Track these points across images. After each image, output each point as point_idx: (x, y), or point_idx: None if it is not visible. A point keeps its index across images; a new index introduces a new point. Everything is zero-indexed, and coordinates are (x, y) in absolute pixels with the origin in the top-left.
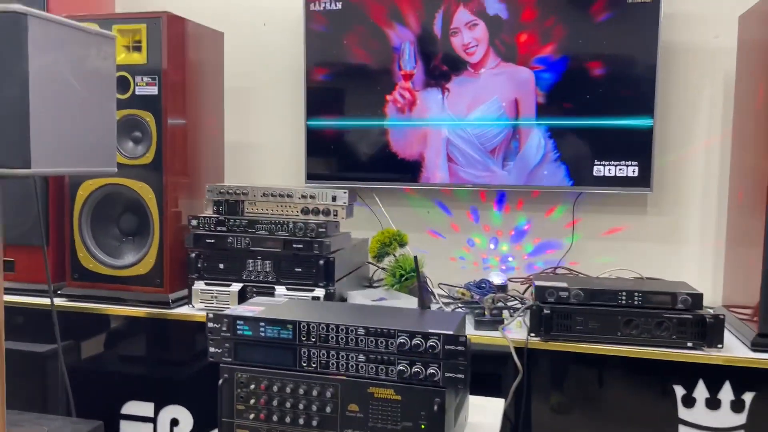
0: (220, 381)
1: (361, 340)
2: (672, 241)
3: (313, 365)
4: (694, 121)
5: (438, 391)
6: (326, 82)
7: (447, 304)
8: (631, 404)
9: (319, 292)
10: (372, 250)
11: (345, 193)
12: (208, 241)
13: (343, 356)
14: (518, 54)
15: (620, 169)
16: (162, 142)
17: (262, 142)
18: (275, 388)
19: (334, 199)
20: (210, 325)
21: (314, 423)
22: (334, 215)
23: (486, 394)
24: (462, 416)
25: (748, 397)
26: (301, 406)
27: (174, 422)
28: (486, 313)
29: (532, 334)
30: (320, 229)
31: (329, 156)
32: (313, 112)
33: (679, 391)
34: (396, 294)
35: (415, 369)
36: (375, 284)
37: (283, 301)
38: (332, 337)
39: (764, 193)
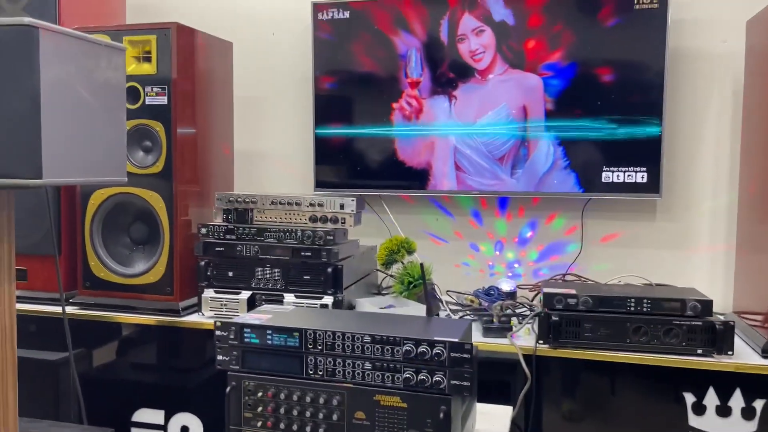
0: (228, 389)
1: (368, 348)
2: (681, 247)
3: (320, 373)
4: (703, 126)
5: (444, 399)
6: (334, 90)
7: (455, 312)
8: (640, 412)
9: (328, 299)
10: (380, 257)
11: (353, 200)
12: (217, 249)
13: (349, 364)
14: (526, 60)
15: (629, 176)
16: (172, 152)
17: (270, 151)
18: (282, 396)
19: (342, 206)
20: (218, 333)
21: (321, 430)
22: (342, 223)
23: (495, 401)
24: (469, 424)
25: (759, 404)
26: (307, 414)
27: (184, 429)
28: (494, 320)
29: (541, 342)
30: (328, 237)
31: (338, 164)
32: (321, 120)
33: (689, 398)
34: (404, 301)
35: (421, 376)
36: (383, 291)
37: (290, 309)
38: (338, 345)
39: None
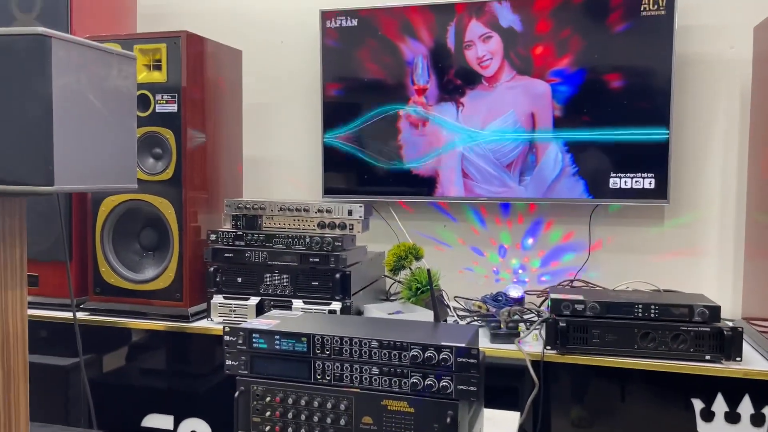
0: (237, 393)
1: (375, 353)
2: (690, 253)
3: (328, 378)
4: (711, 132)
5: (451, 404)
6: (342, 97)
7: (462, 317)
8: (648, 418)
9: (336, 305)
10: (388, 263)
11: (361, 207)
12: (226, 255)
13: (357, 369)
14: (534, 67)
15: (636, 182)
16: (181, 159)
17: (279, 157)
18: (290, 401)
19: (350, 213)
20: (226, 338)
21: None
22: (351, 229)
23: (502, 407)
24: (476, 429)
25: None
26: (315, 419)
27: None
28: (502, 326)
29: (548, 347)
30: (337, 243)
31: (346, 170)
32: (329, 126)
33: (698, 404)
34: (412, 307)
35: (428, 381)
36: (391, 297)
37: (298, 315)
38: (346, 350)
39: None
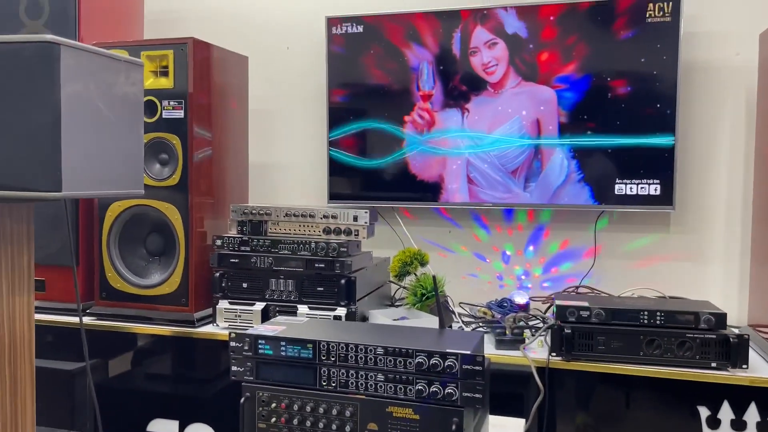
0: (242, 399)
1: (380, 360)
2: (695, 259)
3: (333, 384)
4: (717, 138)
5: (456, 411)
6: (347, 102)
7: (468, 323)
8: (653, 425)
9: (341, 311)
10: (393, 269)
11: (366, 213)
12: (232, 260)
13: (362, 375)
14: (539, 73)
15: (642, 188)
16: (188, 164)
17: (285, 163)
18: (296, 407)
19: (355, 218)
20: (232, 344)
21: None
22: (356, 235)
23: (508, 414)
24: None
25: None
26: (321, 425)
27: None
28: (507, 332)
29: (554, 354)
30: (342, 249)
31: (351, 176)
32: (335, 132)
33: (704, 412)
34: (417, 313)
35: (433, 388)
36: (396, 303)
37: (304, 321)
38: (351, 357)
39: None
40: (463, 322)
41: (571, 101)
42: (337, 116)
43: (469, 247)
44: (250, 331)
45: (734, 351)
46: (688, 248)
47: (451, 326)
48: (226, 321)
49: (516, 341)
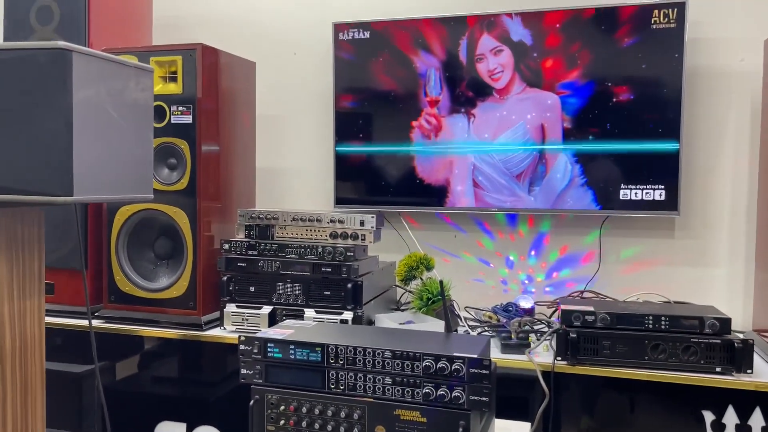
0: (251, 402)
1: (388, 363)
2: (700, 264)
3: (341, 387)
4: (721, 143)
5: (463, 414)
6: (354, 108)
7: (473, 328)
8: (658, 430)
9: (348, 315)
10: (399, 273)
11: (373, 217)
12: (239, 264)
13: (370, 378)
14: (544, 79)
15: (647, 193)
16: (196, 169)
17: (292, 167)
18: (304, 410)
19: (362, 223)
20: (242, 347)
21: None
22: (362, 239)
23: (513, 417)
24: None
25: None
26: (329, 428)
27: None
28: (512, 336)
29: (559, 358)
30: (348, 253)
31: (357, 181)
32: (341, 137)
33: (708, 416)
34: (423, 317)
35: (440, 392)
36: (402, 307)
37: (312, 325)
38: (360, 360)
39: None
40: (468, 326)
41: (575, 107)
42: (343, 121)
43: (473, 251)
44: (259, 335)
45: (739, 356)
46: (693, 253)
47: (456, 330)
48: (234, 324)
49: (521, 345)
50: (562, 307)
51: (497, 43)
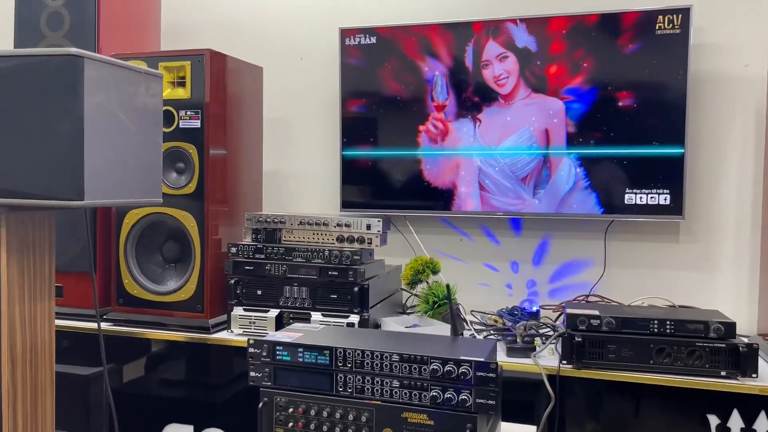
0: (260, 404)
1: (396, 366)
2: (705, 269)
3: (349, 390)
4: (726, 148)
5: (470, 417)
6: (361, 113)
7: (479, 331)
8: None
9: (354, 318)
10: (405, 277)
11: (379, 221)
12: (246, 268)
13: (378, 381)
14: (548, 85)
15: (652, 197)
16: (204, 173)
17: (298, 172)
18: (313, 412)
19: (368, 227)
20: (251, 350)
21: None
22: (369, 243)
23: (518, 421)
24: None
25: None
26: (337, 430)
27: None
28: (518, 340)
29: (564, 362)
30: (355, 257)
31: (364, 185)
32: (348, 142)
33: (713, 420)
34: (429, 321)
35: (447, 395)
36: (408, 311)
37: (320, 328)
38: (367, 363)
39: None
40: (474, 329)
41: (579, 112)
42: (350, 126)
43: (479, 255)
44: (268, 338)
45: (744, 360)
46: (698, 257)
47: (462, 334)
48: (241, 327)
49: (527, 349)
50: (568, 310)
51: (503, 50)
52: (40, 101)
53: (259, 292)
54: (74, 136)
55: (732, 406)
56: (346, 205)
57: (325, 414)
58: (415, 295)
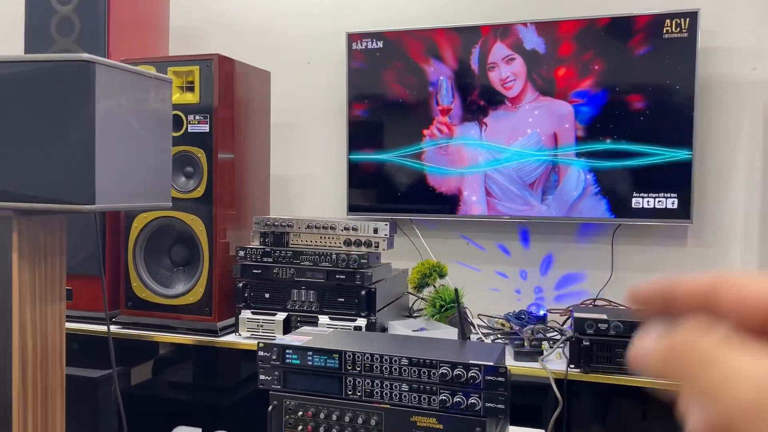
0: (270, 407)
1: (405, 370)
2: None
3: (359, 393)
4: (734, 152)
5: (479, 421)
6: (367, 117)
7: (486, 335)
8: None
9: (361, 321)
10: (412, 280)
11: (386, 225)
12: (254, 271)
13: (387, 385)
14: (556, 88)
15: (659, 202)
16: (212, 177)
17: (305, 175)
18: (322, 415)
19: (375, 231)
20: (261, 353)
21: None
22: (376, 247)
23: (526, 425)
24: None
25: None
26: None
27: None
28: (525, 344)
29: (572, 366)
30: (362, 261)
31: (370, 188)
32: (354, 146)
33: None
34: (436, 324)
35: (456, 399)
36: (414, 314)
37: (329, 332)
38: (377, 367)
39: None
40: (482, 333)
41: (587, 115)
42: (357, 129)
43: (486, 259)
44: (278, 341)
45: None
46: (706, 262)
47: (469, 338)
48: (248, 330)
49: (534, 353)
50: (575, 314)
51: (510, 52)
52: (52, 106)
53: (266, 296)
54: (86, 141)
55: None
56: (352, 208)
57: (334, 417)
58: (422, 298)
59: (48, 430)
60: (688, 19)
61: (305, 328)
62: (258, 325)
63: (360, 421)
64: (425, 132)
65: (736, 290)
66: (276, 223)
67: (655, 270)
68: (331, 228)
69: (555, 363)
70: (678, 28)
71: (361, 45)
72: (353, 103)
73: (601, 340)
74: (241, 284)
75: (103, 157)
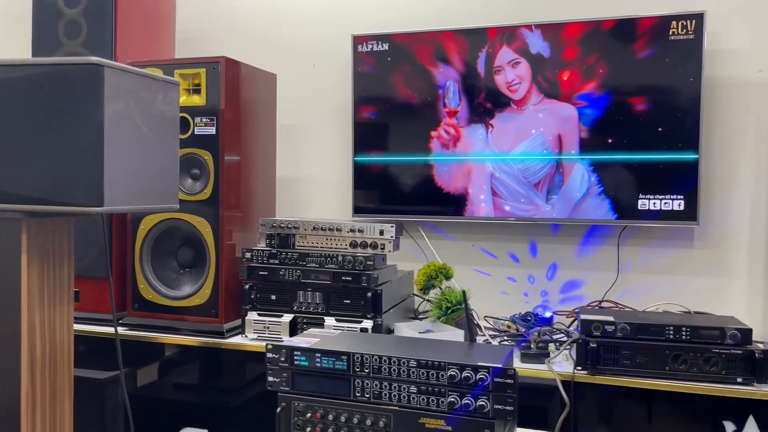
0: (279, 409)
1: (413, 372)
2: (720, 274)
3: (367, 395)
4: (740, 153)
5: (487, 423)
6: (373, 119)
7: (493, 337)
8: None
9: (367, 323)
10: (418, 282)
11: (392, 227)
12: (261, 273)
13: (395, 387)
14: (561, 91)
15: (665, 203)
16: (219, 179)
17: (311, 177)
18: (330, 417)
19: (381, 233)
20: (269, 355)
21: None
22: (382, 248)
23: (532, 426)
24: None
25: None
26: None
27: None
28: (532, 346)
29: (579, 368)
30: (368, 262)
31: (376, 190)
32: (360, 148)
33: (729, 427)
34: (442, 326)
35: (465, 400)
36: (420, 316)
37: (337, 333)
38: (385, 369)
39: None
40: (488, 335)
41: (591, 117)
42: (362, 132)
43: (491, 261)
44: (286, 343)
45: (760, 366)
46: (712, 263)
47: (476, 340)
48: (255, 332)
49: (541, 355)
50: (582, 316)
51: (515, 56)
52: (61, 109)
53: (273, 297)
54: (94, 144)
55: (748, 412)
56: (358, 210)
57: (342, 419)
58: (428, 300)
59: (56, 431)
60: (694, 21)
61: (312, 330)
62: (264, 327)
63: (368, 422)
64: (432, 134)
65: None
66: (282, 225)
67: (661, 272)
68: (337, 230)
69: (562, 365)
70: (684, 30)
71: (367, 47)
72: (359, 105)
73: (607, 342)
74: (247, 286)
75: (111, 160)
